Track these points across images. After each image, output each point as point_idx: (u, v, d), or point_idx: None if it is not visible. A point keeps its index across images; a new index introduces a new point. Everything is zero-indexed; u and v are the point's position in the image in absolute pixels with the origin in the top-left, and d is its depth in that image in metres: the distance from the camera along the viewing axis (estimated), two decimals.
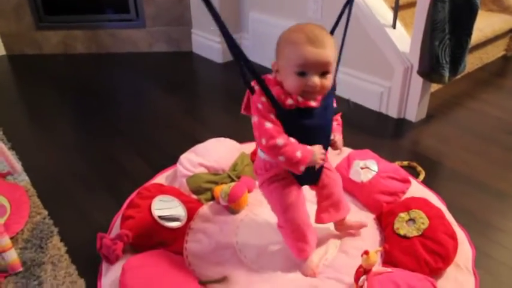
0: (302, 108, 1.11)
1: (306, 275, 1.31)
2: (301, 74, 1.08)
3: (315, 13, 2.38)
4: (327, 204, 1.35)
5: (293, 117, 1.11)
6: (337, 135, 1.27)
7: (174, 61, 3.07)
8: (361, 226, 1.45)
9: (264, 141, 1.10)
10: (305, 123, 1.13)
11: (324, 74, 1.09)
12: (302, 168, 1.12)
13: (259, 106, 1.10)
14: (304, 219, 1.27)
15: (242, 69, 1.09)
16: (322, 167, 1.26)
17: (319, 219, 1.36)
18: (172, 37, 3.17)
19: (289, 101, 1.10)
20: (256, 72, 1.09)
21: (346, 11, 1.30)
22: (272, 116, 1.10)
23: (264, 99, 1.10)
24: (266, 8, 2.71)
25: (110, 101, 2.54)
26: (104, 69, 3.00)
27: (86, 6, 3.14)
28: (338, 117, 1.29)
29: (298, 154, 1.11)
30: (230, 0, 2.85)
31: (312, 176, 1.28)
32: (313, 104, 1.12)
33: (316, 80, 1.08)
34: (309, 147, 1.13)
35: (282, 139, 1.10)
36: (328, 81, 1.11)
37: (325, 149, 1.20)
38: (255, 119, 1.12)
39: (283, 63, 1.11)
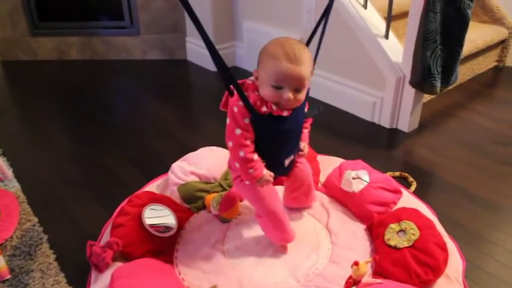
0: (275, 115, 1.20)
1: (283, 252, 1.41)
2: (277, 87, 1.16)
3: (309, 22, 2.39)
4: (299, 193, 1.48)
5: (266, 122, 1.20)
6: (304, 144, 1.39)
7: (168, 69, 3.07)
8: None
9: (230, 144, 1.22)
10: (277, 128, 1.22)
11: (298, 89, 1.18)
12: (247, 182, 1.27)
13: (235, 109, 1.19)
14: (280, 207, 1.37)
15: (223, 73, 1.18)
16: (293, 161, 1.39)
17: (287, 203, 1.53)
18: (166, 45, 3.17)
19: (264, 109, 1.19)
20: (234, 78, 1.17)
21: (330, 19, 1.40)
22: (246, 121, 1.18)
23: (240, 103, 1.17)
24: (260, 17, 2.72)
25: (103, 108, 2.54)
26: (98, 76, 3.00)
27: (81, 13, 3.14)
28: (307, 124, 1.40)
29: (250, 171, 1.23)
30: (224, 9, 2.86)
31: (283, 170, 1.38)
32: (285, 113, 1.21)
33: (290, 95, 1.16)
34: (264, 171, 1.25)
35: (244, 151, 1.21)
36: (302, 95, 1.19)
37: (295, 151, 1.35)
38: (228, 120, 1.21)
39: (262, 73, 1.18)
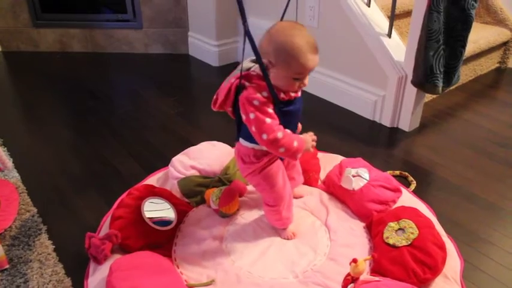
0: (291, 99, 1.23)
1: (288, 238, 1.45)
2: (298, 78, 1.18)
3: (312, 20, 2.39)
4: (292, 173, 1.48)
5: (285, 106, 1.21)
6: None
7: (170, 63, 3.07)
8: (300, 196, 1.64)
9: (265, 136, 1.17)
10: (291, 110, 1.23)
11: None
12: (299, 156, 1.23)
13: (256, 103, 1.16)
14: (290, 191, 1.41)
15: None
16: None
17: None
18: (168, 39, 3.17)
19: (282, 95, 1.20)
20: (265, 71, 1.16)
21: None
22: (270, 110, 1.18)
23: (262, 94, 1.17)
24: (263, 13, 2.72)
25: (104, 101, 2.54)
26: (99, 68, 3.00)
27: (83, 5, 3.14)
28: None
29: (295, 144, 1.20)
30: (227, 5, 2.86)
31: None
32: (299, 94, 1.26)
33: (307, 81, 1.20)
34: (301, 136, 1.26)
35: (281, 132, 1.18)
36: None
37: (296, 127, 1.34)
38: (251, 115, 1.17)
39: (284, 67, 1.16)
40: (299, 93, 1.25)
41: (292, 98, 1.22)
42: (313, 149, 1.31)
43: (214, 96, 1.30)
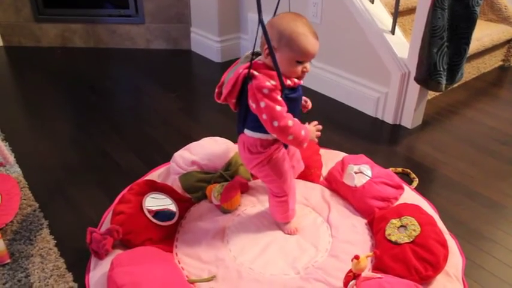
0: (295, 86, 1.26)
1: (291, 233, 1.46)
2: (301, 62, 1.22)
3: (315, 17, 2.38)
4: (292, 161, 1.47)
5: (289, 93, 1.24)
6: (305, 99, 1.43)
7: (172, 59, 3.06)
8: None
9: (276, 124, 1.20)
10: (295, 97, 1.27)
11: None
12: (305, 145, 1.27)
13: (265, 91, 1.19)
14: (294, 181, 1.43)
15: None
16: None
17: None
18: (171, 35, 3.16)
19: (288, 82, 1.23)
20: (274, 57, 1.18)
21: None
22: (279, 98, 1.20)
23: (271, 82, 1.19)
24: (265, 9, 2.69)
25: (106, 96, 2.53)
26: (101, 64, 2.99)
27: (85, 0, 3.12)
28: None
29: (303, 133, 1.24)
30: (230, 2, 2.85)
31: None
32: (302, 82, 1.29)
33: (309, 66, 1.25)
34: (306, 125, 1.30)
35: (291, 120, 1.21)
36: None
37: (299, 113, 1.34)
38: (261, 104, 1.19)
39: (286, 50, 1.21)
40: (302, 81, 1.28)
41: (296, 84, 1.26)
42: (317, 140, 1.35)
43: (216, 89, 1.32)
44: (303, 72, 1.25)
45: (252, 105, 1.22)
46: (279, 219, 1.47)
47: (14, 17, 3.12)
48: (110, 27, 3.16)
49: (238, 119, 1.33)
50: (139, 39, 3.19)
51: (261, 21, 1.16)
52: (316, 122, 1.36)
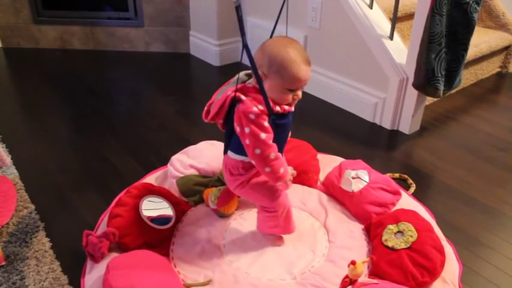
0: (285, 112, 1.22)
1: (280, 245, 1.44)
2: (291, 90, 1.18)
3: (314, 22, 2.38)
4: None
5: (279, 120, 1.20)
6: None
7: (171, 62, 3.06)
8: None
9: (257, 151, 1.17)
10: (283, 123, 1.23)
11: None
12: (279, 183, 1.26)
13: (252, 116, 1.15)
14: (288, 200, 1.37)
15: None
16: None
17: None
18: (170, 38, 3.16)
19: (277, 108, 1.19)
20: (261, 82, 1.15)
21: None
22: (265, 124, 1.16)
23: (259, 107, 1.15)
24: (264, 14, 2.71)
25: (104, 99, 2.53)
26: (99, 66, 2.99)
27: (85, 3, 3.12)
28: None
29: (281, 170, 1.21)
30: (229, 6, 2.85)
31: None
32: (292, 109, 1.24)
33: (300, 93, 1.21)
34: (287, 167, 1.26)
35: (274, 153, 1.18)
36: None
37: (286, 140, 1.30)
38: (246, 129, 1.16)
39: (276, 78, 1.17)
40: (292, 108, 1.24)
41: (286, 111, 1.21)
42: (290, 183, 1.30)
43: (206, 108, 1.28)
44: (294, 100, 1.21)
45: (237, 128, 1.19)
46: (267, 232, 1.44)
47: (13, 19, 3.12)
48: (109, 29, 3.16)
49: (224, 140, 1.30)
50: (138, 42, 3.19)
51: (245, 46, 1.13)
52: (292, 167, 1.33)
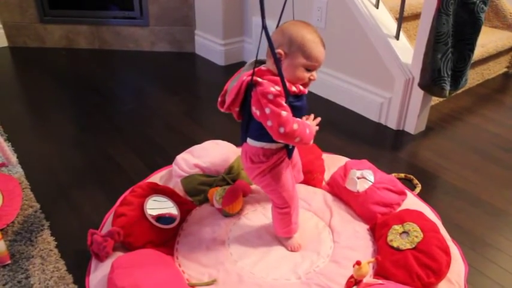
0: (298, 94, 1.23)
1: (294, 250, 1.42)
2: (309, 70, 1.22)
3: (319, 21, 2.38)
4: (293, 171, 1.44)
5: (296, 101, 1.23)
6: None
7: (176, 61, 3.06)
8: None
9: (282, 130, 1.17)
10: (299, 106, 1.24)
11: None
12: (311, 142, 1.25)
13: (270, 97, 1.17)
14: (297, 193, 1.39)
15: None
16: None
17: None
18: (175, 37, 3.17)
19: (293, 89, 1.21)
20: (278, 62, 1.17)
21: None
22: (284, 103, 1.18)
23: (276, 88, 1.17)
24: (269, 13, 2.69)
25: (110, 98, 2.54)
26: (105, 65, 3.00)
27: (91, 2, 3.14)
28: None
29: (307, 131, 1.22)
30: (234, 5, 2.85)
31: (293, 148, 1.37)
32: (306, 91, 1.26)
33: (316, 75, 1.25)
34: (306, 122, 1.27)
35: (296, 123, 1.19)
36: None
37: None
38: (267, 110, 1.17)
39: (297, 55, 1.21)
40: (306, 90, 1.26)
41: (301, 92, 1.24)
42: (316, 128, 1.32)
43: (220, 98, 1.29)
44: (310, 80, 1.24)
45: (256, 112, 1.19)
46: (281, 233, 1.43)
47: (19, 18, 3.13)
48: (114, 29, 3.17)
49: (241, 128, 1.31)
50: (143, 42, 3.19)
51: (264, 27, 1.14)
52: (312, 116, 1.33)
